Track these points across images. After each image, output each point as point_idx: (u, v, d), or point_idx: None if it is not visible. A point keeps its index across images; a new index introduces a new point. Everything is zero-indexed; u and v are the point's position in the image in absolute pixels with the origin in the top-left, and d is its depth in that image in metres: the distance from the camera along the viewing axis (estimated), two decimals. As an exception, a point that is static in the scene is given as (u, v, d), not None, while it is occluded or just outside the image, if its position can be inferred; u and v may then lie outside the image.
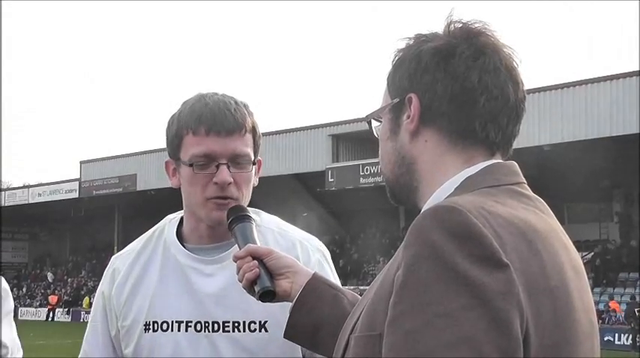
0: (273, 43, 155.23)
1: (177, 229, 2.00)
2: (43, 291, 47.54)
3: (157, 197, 29.32)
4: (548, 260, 1.25)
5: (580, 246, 26.90)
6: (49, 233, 52.33)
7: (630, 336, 23.36)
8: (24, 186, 49.28)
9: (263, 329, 1.88)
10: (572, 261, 1.32)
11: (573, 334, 1.25)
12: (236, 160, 1.88)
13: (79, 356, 2.03)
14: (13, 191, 46.93)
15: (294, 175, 30.82)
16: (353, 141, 30.23)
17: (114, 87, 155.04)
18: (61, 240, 52.04)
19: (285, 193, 28.89)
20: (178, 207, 2.01)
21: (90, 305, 39.88)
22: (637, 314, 23.13)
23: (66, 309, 42.86)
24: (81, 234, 48.84)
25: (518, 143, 1.42)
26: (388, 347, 1.18)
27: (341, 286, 1.80)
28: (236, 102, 1.91)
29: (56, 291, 45.57)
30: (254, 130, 1.93)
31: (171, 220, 2.03)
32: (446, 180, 1.35)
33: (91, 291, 42.17)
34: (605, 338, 22.97)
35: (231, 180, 1.87)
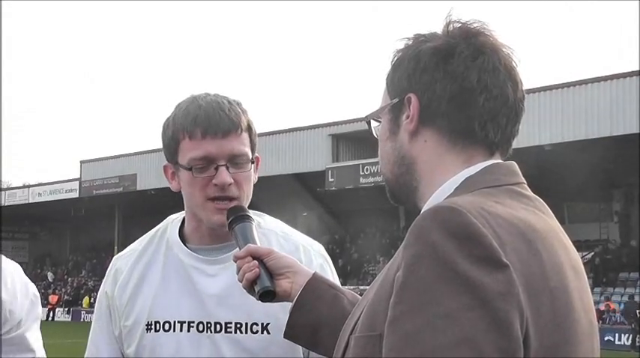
0: (274, 43, 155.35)
1: (180, 229, 1.99)
2: (43, 291, 47.39)
3: (157, 197, 29.30)
4: (548, 260, 1.25)
5: (580, 245, 26.90)
6: (50, 233, 52.33)
7: (630, 336, 23.36)
8: (24, 186, 49.27)
9: (265, 331, 1.88)
10: (572, 261, 1.32)
11: (573, 334, 1.25)
12: (234, 160, 1.88)
13: (85, 356, 2.02)
14: (13, 191, 46.91)
15: (295, 175, 30.80)
16: (353, 140, 30.22)
17: (114, 87, 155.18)
18: (62, 239, 52.05)
19: (286, 193, 28.90)
20: (179, 206, 2.01)
21: (90, 304, 39.96)
22: (638, 315, 23.13)
23: (66, 309, 42.87)
24: (81, 233, 48.86)
25: (518, 143, 1.42)
26: (388, 347, 1.18)
27: (341, 287, 1.79)
28: (229, 102, 1.90)
29: (56, 291, 45.54)
30: (250, 128, 1.92)
31: (173, 220, 2.03)
32: (445, 180, 1.35)
33: (91, 291, 42.19)
34: (606, 339, 22.97)
35: (232, 180, 1.86)
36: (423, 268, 1.18)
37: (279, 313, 1.83)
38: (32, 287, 2.27)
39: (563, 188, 24.76)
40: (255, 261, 1.71)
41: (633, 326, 23.29)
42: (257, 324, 1.88)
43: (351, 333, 1.34)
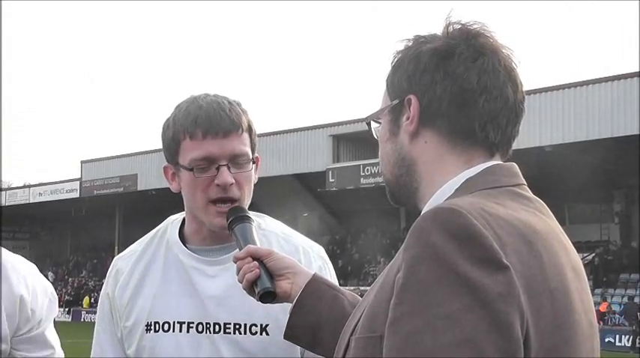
0: (274, 43, 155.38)
1: (180, 230, 2.00)
2: (43, 291, 47.47)
3: (157, 197, 29.29)
4: (548, 261, 1.25)
5: (581, 246, 26.88)
6: (50, 232, 52.34)
7: (631, 338, 23.35)
8: (25, 186, 49.24)
9: (264, 332, 1.88)
10: (572, 263, 1.32)
11: (573, 335, 1.25)
12: (235, 160, 1.88)
13: (91, 357, 2.03)
14: (14, 191, 46.90)
15: (295, 175, 30.81)
16: (353, 141, 30.23)
17: (114, 87, 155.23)
18: (62, 239, 52.05)
19: (286, 193, 28.91)
20: (179, 207, 2.01)
21: (90, 305, 39.96)
22: (639, 316, 23.13)
23: (66, 309, 42.82)
24: (82, 233, 48.85)
25: (519, 143, 1.42)
26: (389, 348, 1.18)
27: (340, 288, 1.79)
28: (229, 102, 1.91)
29: (57, 291, 45.47)
30: (250, 128, 1.92)
31: (173, 221, 2.03)
32: (446, 181, 1.35)
33: (92, 291, 42.19)
34: (606, 340, 22.96)
35: (233, 180, 1.86)
36: (424, 269, 1.18)
37: (278, 314, 1.83)
38: (50, 287, 2.33)
39: (564, 189, 24.76)
40: (256, 262, 1.71)
41: (634, 327, 23.29)
42: (256, 325, 1.88)
43: (351, 334, 1.34)
